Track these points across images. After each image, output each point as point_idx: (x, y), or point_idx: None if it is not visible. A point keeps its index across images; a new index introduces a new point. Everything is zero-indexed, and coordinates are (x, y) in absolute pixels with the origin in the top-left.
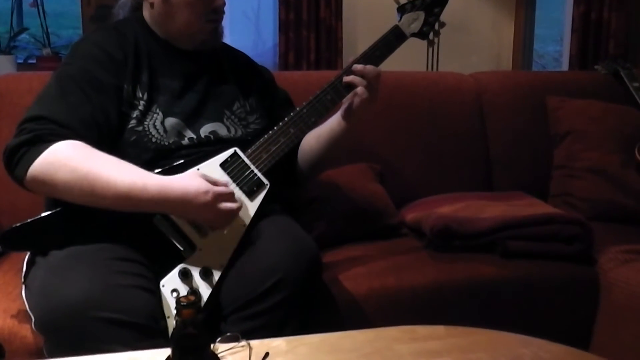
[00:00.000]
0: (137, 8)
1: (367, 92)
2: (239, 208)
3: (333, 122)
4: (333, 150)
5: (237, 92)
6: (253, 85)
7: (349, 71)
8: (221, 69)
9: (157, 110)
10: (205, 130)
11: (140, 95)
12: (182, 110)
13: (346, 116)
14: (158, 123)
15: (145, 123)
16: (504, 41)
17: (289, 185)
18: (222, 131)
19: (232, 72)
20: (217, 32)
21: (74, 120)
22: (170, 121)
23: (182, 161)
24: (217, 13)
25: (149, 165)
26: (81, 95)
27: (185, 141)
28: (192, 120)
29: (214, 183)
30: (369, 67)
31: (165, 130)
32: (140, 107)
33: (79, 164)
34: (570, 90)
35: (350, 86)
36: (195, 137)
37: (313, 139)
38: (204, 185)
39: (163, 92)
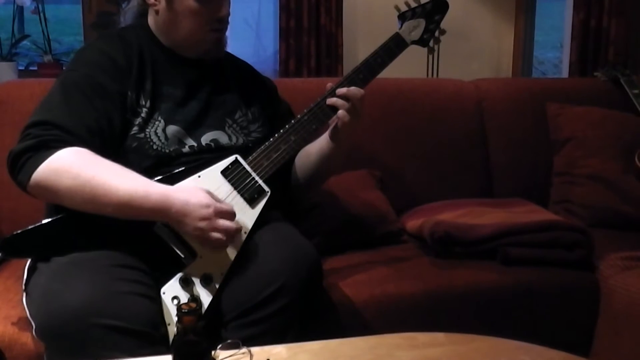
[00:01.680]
0: (143, 14)
1: (348, 115)
2: (238, 230)
3: (322, 142)
4: (325, 169)
5: (239, 100)
6: (255, 95)
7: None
8: (224, 78)
9: (159, 118)
10: (206, 138)
11: (143, 102)
12: (183, 118)
13: (333, 136)
14: (159, 130)
15: (147, 130)
16: (504, 48)
17: (286, 195)
18: (224, 139)
19: (234, 80)
20: (221, 42)
21: (78, 126)
22: (172, 129)
23: (182, 168)
24: (222, 23)
25: (149, 172)
26: (85, 102)
27: (186, 149)
28: (193, 128)
29: (218, 201)
30: (353, 90)
31: (166, 138)
32: (143, 115)
33: (82, 171)
34: (570, 97)
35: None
36: (196, 144)
37: (305, 157)
38: (206, 200)
39: (166, 100)
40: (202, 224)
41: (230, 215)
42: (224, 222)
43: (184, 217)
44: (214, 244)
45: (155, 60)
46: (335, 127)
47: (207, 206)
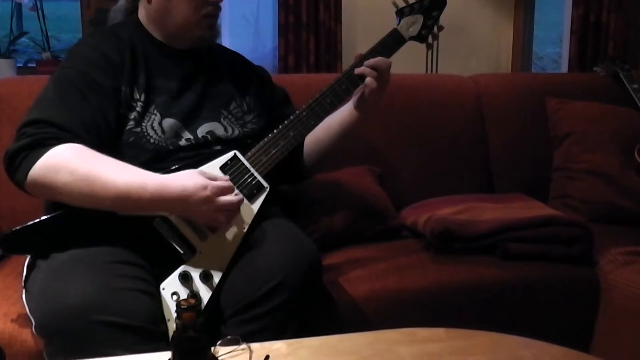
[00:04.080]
0: (132, 12)
1: (376, 83)
2: (240, 201)
3: (344, 113)
4: (343, 141)
5: (233, 91)
6: (249, 85)
7: (357, 65)
8: (217, 69)
9: (155, 111)
10: (202, 130)
11: (138, 96)
12: (179, 110)
13: (358, 106)
14: (156, 124)
15: (143, 124)
16: (503, 43)
17: (292, 181)
18: (219, 131)
19: (228, 71)
20: (214, 27)
21: (73, 123)
22: (168, 122)
23: (180, 164)
24: (215, 7)
25: (147, 166)
26: (80, 98)
27: (183, 142)
28: (189, 120)
29: (213, 179)
30: (380, 59)
31: (163, 131)
32: (138, 109)
33: (79, 166)
34: (569, 92)
35: (355, 81)
36: (192, 137)
37: (322, 131)
38: (202, 181)
39: (160, 93)
40: (205, 207)
41: (229, 189)
42: (225, 199)
43: (183, 204)
44: (221, 223)
45: (148, 53)
46: (361, 96)
47: (204, 187)
